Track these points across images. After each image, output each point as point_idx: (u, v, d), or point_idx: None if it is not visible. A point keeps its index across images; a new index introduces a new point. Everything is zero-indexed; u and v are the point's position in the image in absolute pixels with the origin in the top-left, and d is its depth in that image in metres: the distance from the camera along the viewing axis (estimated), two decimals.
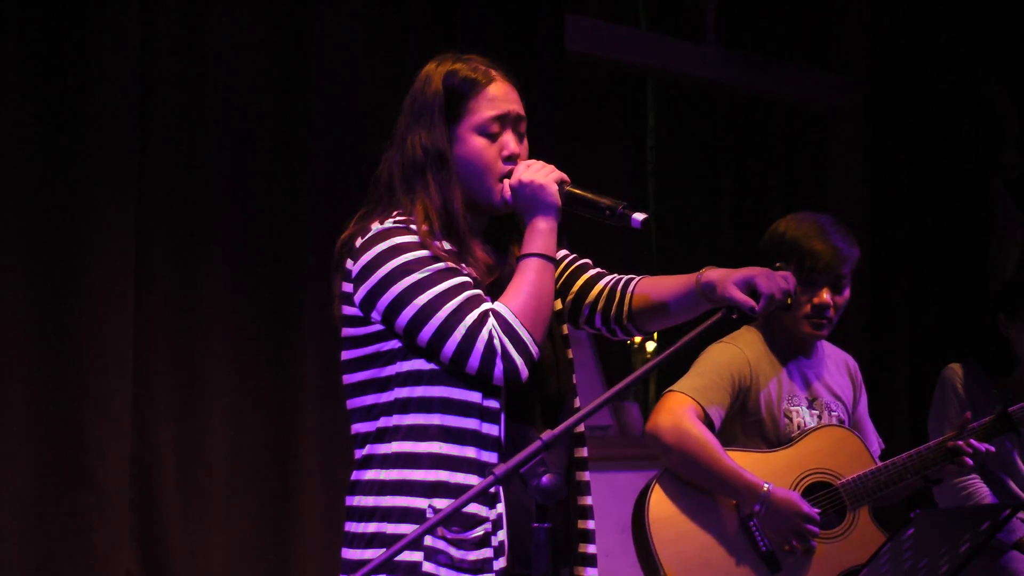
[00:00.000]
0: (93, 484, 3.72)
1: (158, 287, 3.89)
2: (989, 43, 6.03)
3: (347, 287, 2.64)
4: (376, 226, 2.63)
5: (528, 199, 2.65)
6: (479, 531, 2.56)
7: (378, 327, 2.60)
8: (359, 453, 2.65)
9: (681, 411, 3.48)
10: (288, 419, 4.11)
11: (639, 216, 2.63)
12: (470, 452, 2.57)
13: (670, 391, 3.55)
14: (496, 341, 2.53)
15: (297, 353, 4.13)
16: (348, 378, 2.67)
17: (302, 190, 4.18)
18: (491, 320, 2.54)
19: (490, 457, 2.58)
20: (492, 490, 2.56)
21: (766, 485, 3.44)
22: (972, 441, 3.54)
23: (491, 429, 2.58)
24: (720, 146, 5.95)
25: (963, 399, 4.13)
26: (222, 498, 3.97)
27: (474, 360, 2.54)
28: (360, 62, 4.30)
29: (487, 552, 2.56)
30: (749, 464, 3.49)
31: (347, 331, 2.66)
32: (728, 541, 3.50)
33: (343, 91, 4.26)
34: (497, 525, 2.57)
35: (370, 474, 2.61)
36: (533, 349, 2.56)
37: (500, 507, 2.58)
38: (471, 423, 2.58)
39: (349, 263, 2.64)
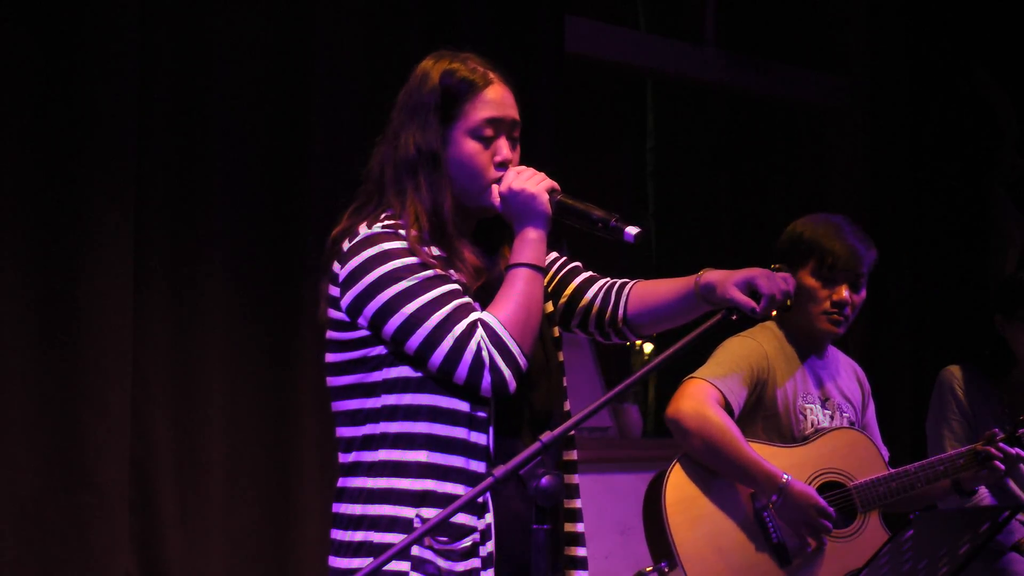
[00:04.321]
0: (93, 484, 3.72)
1: (157, 288, 3.89)
2: (989, 44, 6.03)
3: (334, 291, 2.60)
4: (363, 230, 2.59)
5: (519, 208, 2.61)
6: (467, 541, 2.53)
7: (364, 332, 2.57)
8: (344, 458, 2.63)
9: (703, 397, 3.49)
10: (287, 420, 4.11)
11: (632, 230, 2.59)
12: (458, 461, 2.54)
13: (691, 378, 3.55)
14: (484, 353, 2.49)
15: (296, 354, 4.12)
16: (333, 381, 2.64)
17: (301, 191, 4.17)
18: (480, 331, 2.51)
19: (478, 466, 2.55)
20: (481, 500, 2.54)
21: (785, 476, 3.46)
22: (1002, 445, 3.61)
23: (479, 438, 2.55)
24: (719, 147, 5.95)
25: (961, 401, 4.12)
26: (221, 499, 3.97)
27: (462, 371, 2.50)
28: (360, 62, 4.30)
29: (475, 563, 2.53)
30: (765, 456, 3.50)
31: (332, 334, 2.62)
32: (741, 529, 3.51)
33: (343, 91, 4.25)
34: (486, 535, 2.54)
35: (357, 482, 2.59)
36: (521, 360, 2.53)
37: (489, 517, 2.55)
38: (459, 432, 2.55)
39: (336, 266, 2.60)
